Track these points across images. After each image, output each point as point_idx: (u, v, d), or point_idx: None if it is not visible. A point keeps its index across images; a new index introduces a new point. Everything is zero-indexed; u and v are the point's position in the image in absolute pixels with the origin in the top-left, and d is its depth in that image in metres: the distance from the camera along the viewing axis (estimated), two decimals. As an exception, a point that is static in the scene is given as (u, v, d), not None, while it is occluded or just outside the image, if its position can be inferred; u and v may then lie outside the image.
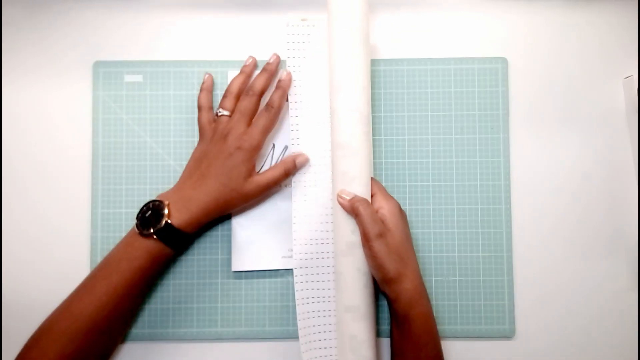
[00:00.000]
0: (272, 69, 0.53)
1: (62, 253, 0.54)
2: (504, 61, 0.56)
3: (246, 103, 0.51)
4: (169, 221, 0.47)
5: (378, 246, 0.45)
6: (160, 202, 0.48)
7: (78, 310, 0.46)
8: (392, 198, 0.49)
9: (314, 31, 0.53)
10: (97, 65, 0.56)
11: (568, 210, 0.55)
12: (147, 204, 0.49)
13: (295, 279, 0.51)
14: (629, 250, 0.55)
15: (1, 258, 0.54)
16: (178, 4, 0.57)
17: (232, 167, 0.48)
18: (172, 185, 0.53)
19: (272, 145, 0.54)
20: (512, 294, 0.54)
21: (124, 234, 0.53)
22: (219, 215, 0.51)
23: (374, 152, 0.55)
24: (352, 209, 0.47)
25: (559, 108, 0.56)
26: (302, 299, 0.51)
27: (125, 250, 0.48)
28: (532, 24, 0.57)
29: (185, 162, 0.54)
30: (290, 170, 0.51)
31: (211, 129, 0.51)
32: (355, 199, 0.47)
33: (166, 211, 0.47)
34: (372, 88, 0.55)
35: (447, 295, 0.54)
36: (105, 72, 0.55)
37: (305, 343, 0.50)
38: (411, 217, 0.54)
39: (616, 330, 0.54)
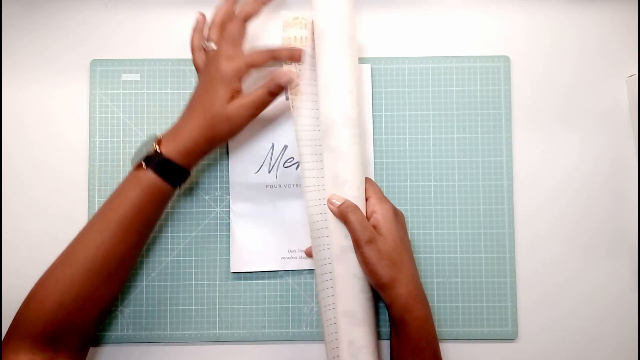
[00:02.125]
0: None
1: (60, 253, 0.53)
2: (506, 59, 0.55)
3: (230, 29, 0.49)
4: (158, 149, 0.46)
5: (368, 252, 0.45)
6: (153, 135, 0.48)
7: (74, 255, 0.45)
8: (387, 201, 0.48)
9: (308, 33, 0.51)
10: (94, 63, 0.55)
11: (571, 211, 0.55)
12: (142, 143, 0.48)
13: (317, 287, 0.50)
14: (632, 251, 0.54)
15: (1, 257, 0.53)
16: (175, 2, 0.56)
17: (213, 92, 0.47)
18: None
19: (271, 145, 0.54)
20: (514, 295, 0.53)
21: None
22: (212, 145, 0.48)
23: (374, 151, 0.54)
24: (341, 216, 0.46)
25: (561, 107, 0.56)
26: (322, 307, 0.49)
27: (120, 186, 0.47)
28: (535, 22, 0.56)
29: (183, 162, 0.54)
30: (274, 89, 0.47)
31: (203, 66, 0.50)
32: (344, 205, 0.46)
33: (155, 143, 0.46)
34: (373, 87, 0.55)
35: (448, 297, 0.53)
36: (103, 70, 0.55)
37: (331, 350, 0.49)
38: (412, 218, 0.54)
39: (620, 332, 0.54)
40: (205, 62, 0.50)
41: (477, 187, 0.54)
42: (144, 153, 0.46)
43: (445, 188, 0.54)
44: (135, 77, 0.55)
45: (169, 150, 0.46)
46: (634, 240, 0.54)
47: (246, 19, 0.49)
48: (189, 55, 0.55)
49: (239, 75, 0.47)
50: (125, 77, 0.55)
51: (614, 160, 0.55)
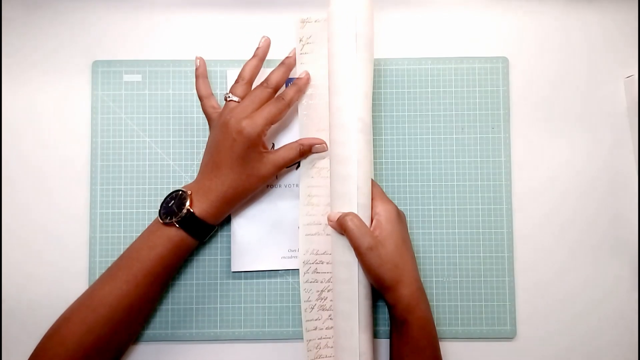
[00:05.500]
0: (291, 64, 0.52)
1: (60, 253, 0.54)
2: (504, 60, 0.56)
3: (259, 92, 0.49)
4: (191, 210, 0.47)
5: (370, 259, 0.45)
6: (184, 191, 0.48)
7: (98, 300, 0.46)
8: (390, 202, 0.49)
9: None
10: (96, 64, 0.55)
11: (569, 211, 0.55)
12: (170, 194, 0.49)
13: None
14: (630, 250, 0.55)
15: (1, 258, 0.54)
16: (177, 3, 0.57)
17: (241, 155, 0.47)
18: (171, 186, 0.54)
19: (271, 145, 0.54)
20: (513, 295, 0.53)
21: (122, 235, 0.54)
22: (242, 200, 0.50)
23: (374, 152, 0.54)
24: (340, 226, 0.46)
25: (560, 108, 0.56)
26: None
27: (148, 238, 0.48)
28: (533, 23, 0.57)
29: (184, 162, 0.55)
30: (305, 153, 0.51)
31: (217, 115, 0.50)
32: (342, 215, 0.46)
33: (188, 200, 0.47)
34: (373, 87, 0.55)
35: (447, 297, 0.54)
36: (104, 71, 0.55)
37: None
38: (411, 218, 0.54)
39: (617, 331, 0.54)
40: (222, 113, 0.49)
41: (476, 187, 0.54)
42: (174, 210, 0.47)
43: (444, 188, 0.54)
44: (137, 78, 0.55)
45: (201, 211, 0.47)
46: (633, 239, 0.55)
47: (277, 89, 0.51)
48: (191, 57, 0.56)
49: (259, 138, 0.48)
50: (127, 78, 0.55)
51: (612, 160, 0.55)
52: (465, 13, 0.57)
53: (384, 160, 0.55)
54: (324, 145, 0.51)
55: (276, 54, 0.54)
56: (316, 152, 0.52)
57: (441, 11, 0.57)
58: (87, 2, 0.56)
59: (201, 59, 0.52)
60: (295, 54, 0.52)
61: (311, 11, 0.55)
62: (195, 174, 0.54)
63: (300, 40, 0.52)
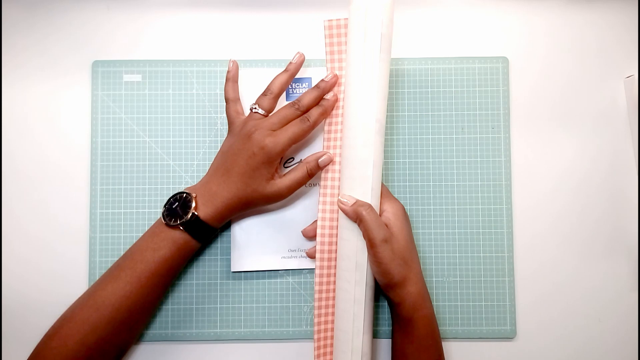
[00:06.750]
0: (326, 88, 0.50)
1: (61, 253, 0.54)
2: (504, 60, 0.56)
3: (288, 113, 0.49)
4: (196, 213, 0.47)
5: (383, 252, 0.45)
6: (188, 194, 0.48)
7: (101, 300, 0.46)
8: (397, 200, 0.49)
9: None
10: (96, 64, 0.55)
11: (569, 210, 0.55)
12: (174, 195, 0.48)
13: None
14: (630, 250, 0.55)
15: (1, 258, 0.54)
16: (177, 3, 0.57)
17: (255, 168, 0.47)
18: (171, 186, 0.54)
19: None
20: (513, 294, 0.53)
21: (123, 234, 0.54)
22: (243, 211, 0.50)
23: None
24: (355, 215, 0.46)
25: (559, 107, 0.56)
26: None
27: (152, 240, 0.48)
28: (533, 23, 0.57)
29: (184, 162, 0.54)
30: (313, 171, 0.50)
31: (240, 122, 0.50)
32: (357, 204, 0.46)
33: (193, 204, 0.47)
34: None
35: (448, 296, 0.54)
36: (104, 71, 0.55)
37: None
38: (412, 218, 0.54)
39: (618, 331, 0.54)
40: (245, 122, 0.49)
41: (476, 187, 0.55)
42: (179, 213, 0.47)
43: (445, 188, 0.55)
44: (137, 78, 0.55)
45: (206, 215, 0.47)
46: (632, 239, 0.55)
47: (307, 111, 0.50)
48: (190, 57, 0.56)
49: (279, 156, 0.48)
50: (127, 78, 0.55)
51: (612, 160, 0.56)
52: (465, 13, 0.57)
53: (383, 160, 0.54)
54: (329, 154, 0.50)
55: (276, 54, 0.55)
56: (324, 165, 0.50)
57: (441, 11, 0.57)
58: (87, 2, 0.56)
59: (234, 62, 0.52)
60: (333, 79, 0.50)
61: (311, 11, 0.56)
62: (196, 174, 0.54)
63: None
